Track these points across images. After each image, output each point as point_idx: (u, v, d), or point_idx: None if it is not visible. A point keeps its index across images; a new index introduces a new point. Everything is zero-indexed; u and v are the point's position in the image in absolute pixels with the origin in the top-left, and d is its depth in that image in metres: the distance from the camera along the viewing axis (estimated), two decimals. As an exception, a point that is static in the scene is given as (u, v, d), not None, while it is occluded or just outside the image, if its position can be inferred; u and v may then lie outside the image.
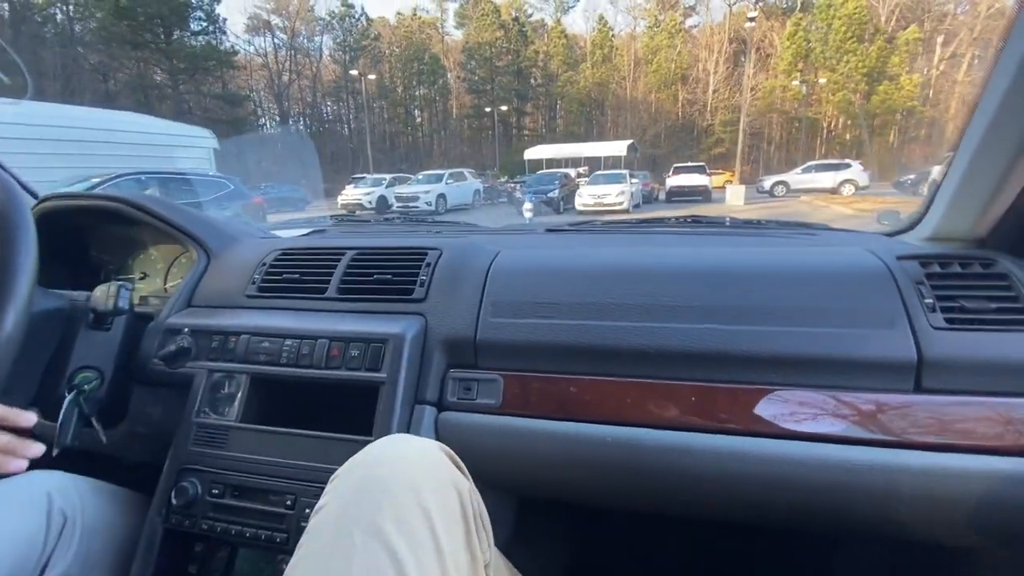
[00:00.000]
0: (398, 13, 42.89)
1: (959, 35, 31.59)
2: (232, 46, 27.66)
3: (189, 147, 9.05)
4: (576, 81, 41.56)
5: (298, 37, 38.60)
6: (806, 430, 0.64)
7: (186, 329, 0.86)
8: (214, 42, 27.75)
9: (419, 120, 43.34)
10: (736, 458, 0.65)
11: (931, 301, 0.67)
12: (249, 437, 0.78)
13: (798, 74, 34.25)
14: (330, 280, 0.89)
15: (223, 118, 26.37)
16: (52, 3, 24.40)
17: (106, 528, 0.73)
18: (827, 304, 0.69)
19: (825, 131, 36.49)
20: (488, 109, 39.50)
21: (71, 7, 24.72)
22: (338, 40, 38.59)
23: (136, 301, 0.88)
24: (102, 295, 0.80)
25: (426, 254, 0.88)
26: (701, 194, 17.13)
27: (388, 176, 18.45)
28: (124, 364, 0.85)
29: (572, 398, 0.73)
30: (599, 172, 17.08)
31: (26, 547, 0.62)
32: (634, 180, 15.29)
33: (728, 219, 1.19)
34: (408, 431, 0.73)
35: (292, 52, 38.08)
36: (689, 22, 41.97)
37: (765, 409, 0.66)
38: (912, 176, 18.52)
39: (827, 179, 18.63)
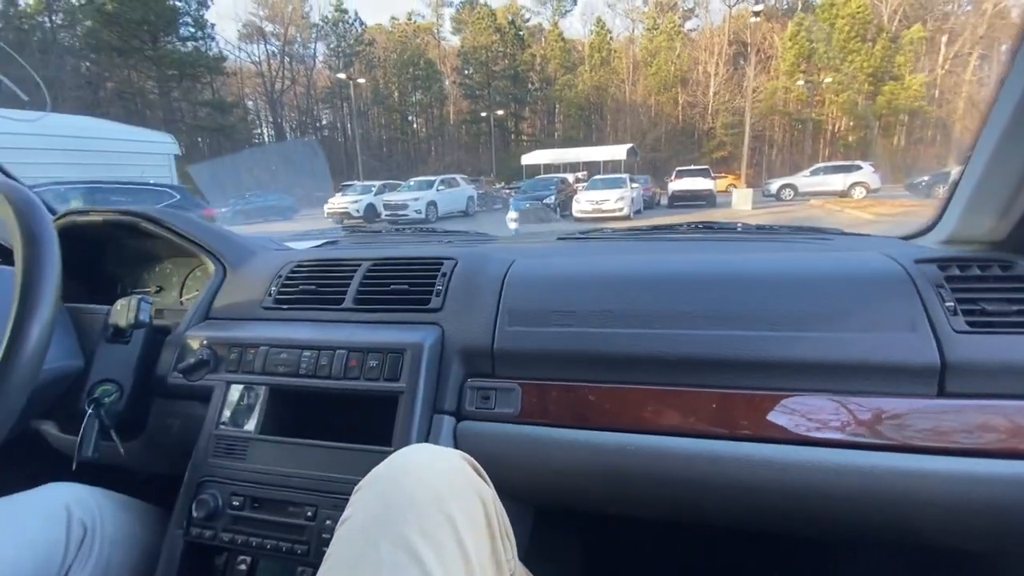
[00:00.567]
0: (393, 18, 42.40)
1: (963, 34, 30.90)
2: (221, 52, 27.08)
3: (147, 153, 8.30)
4: (574, 85, 40.92)
5: (292, 44, 38.10)
6: (827, 436, 0.64)
7: (205, 341, 0.86)
8: (203, 48, 27.16)
9: (415, 126, 42.73)
10: (757, 465, 0.64)
11: (952, 304, 0.66)
12: (268, 448, 0.78)
13: (801, 75, 33.51)
14: (347, 291, 0.89)
15: (211, 125, 25.76)
16: (39, 11, 23.82)
17: (126, 540, 0.73)
18: (846, 309, 0.68)
19: (829, 133, 35.73)
20: (484, 114, 38.84)
21: (58, 16, 24.14)
22: (332, 46, 38.05)
23: (153, 314, 0.88)
24: (122, 309, 0.81)
25: (442, 263, 0.88)
26: (705, 199, 16.32)
27: (377, 183, 17.63)
28: (143, 377, 0.85)
29: (590, 406, 0.72)
30: (597, 176, 16.27)
31: (45, 559, 0.63)
32: (634, 185, 14.46)
33: (740, 224, 1.16)
34: (427, 440, 0.73)
35: (287, 59, 37.56)
36: (688, 25, 41.43)
37: (786, 415, 0.66)
38: (926, 178, 17.70)
39: (837, 181, 17.85)
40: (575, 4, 44.50)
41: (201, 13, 26.60)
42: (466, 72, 41.05)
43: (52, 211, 1.03)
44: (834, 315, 0.68)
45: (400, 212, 14.77)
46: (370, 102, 40.65)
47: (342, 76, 34.28)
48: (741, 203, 15.10)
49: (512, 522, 0.53)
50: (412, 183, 16.67)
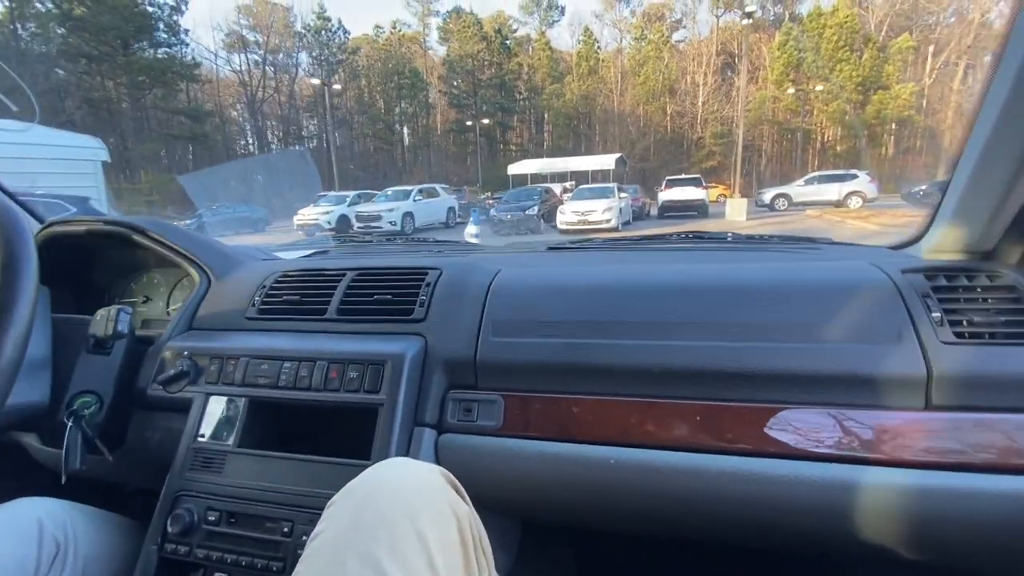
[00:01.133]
0: (376, 27, 41.74)
1: (949, 44, 30.85)
2: (194, 58, 26.08)
3: (69, 159, 7.29)
4: (562, 94, 40.43)
5: (277, 53, 37.28)
6: (816, 450, 0.63)
7: (185, 352, 0.85)
8: (177, 55, 26.21)
9: (401, 135, 41.93)
10: (745, 479, 0.64)
11: (938, 315, 0.66)
12: (247, 462, 0.77)
13: (790, 84, 33.23)
14: (330, 301, 0.89)
15: (185, 134, 24.76)
16: (6, 19, 22.77)
17: (101, 556, 0.72)
18: (833, 319, 0.68)
19: (819, 142, 35.46)
20: (470, 123, 38.16)
21: (28, 23, 23.08)
22: (314, 54, 37.28)
23: (138, 325, 0.90)
24: (102, 319, 0.81)
25: (426, 274, 0.88)
26: (697, 209, 15.56)
27: (351, 193, 16.69)
28: (124, 388, 0.84)
29: (574, 419, 0.71)
30: (584, 186, 15.45)
31: (16, 575, 0.62)
32: (623, 195, 13.65)
33: (730, 235, 1.15)
34: (407, 454, 0.72)
35: (271, 67, 36.69)
36: (676, 36, 41.22)
37: (774, 428, 0.65)
38: (924, 187, 17.13)
39: (832, 191, 17.24)
40: (562, 15, 44.17)
41: (175, 19, 25.74)
42: (452, 81, 40.44)
43: (40, 219, 1.02)
44: (820, 325, 0.67)
45: (373, 224, 13.81)
46: (354, 111, 39.85)
47: (316, 82, 33.45)
48: (735, 214, 14.34)
49: (498, 536, 0.53)
50: (391, 192, 15.73)
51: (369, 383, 0.75)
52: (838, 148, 34.27)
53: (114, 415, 0.81)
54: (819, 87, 31.94)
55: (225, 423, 0.79)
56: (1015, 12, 0.58)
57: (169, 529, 0.73)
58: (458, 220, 17.11)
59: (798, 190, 18.12)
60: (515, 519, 0.88)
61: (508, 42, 41.28)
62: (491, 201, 18.39)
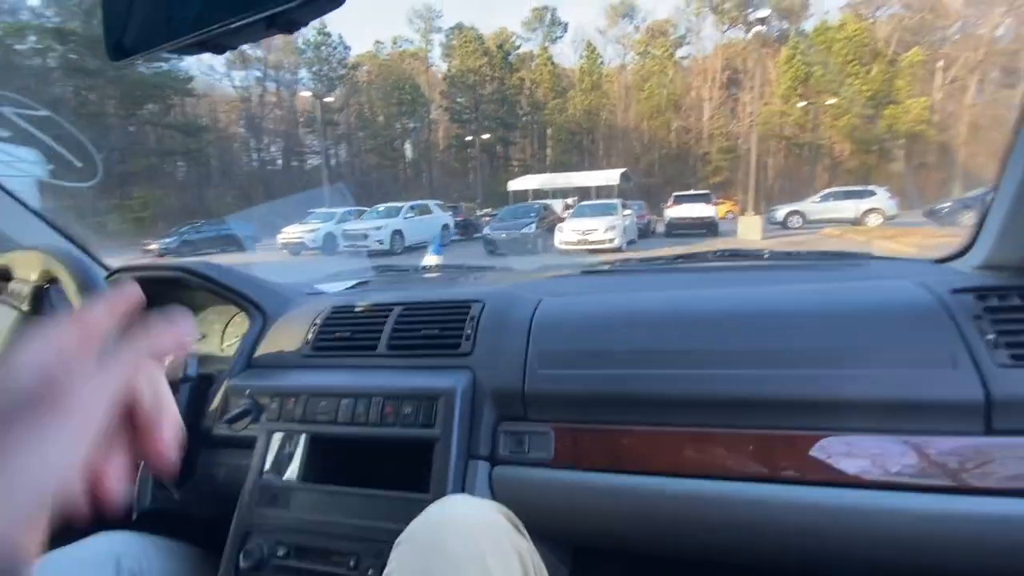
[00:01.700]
0: (377, 42, 41.52)
1: (960, 59, 30.08)
2: (186, 73, 25.58)
3: (-4, 173, 6.41)
4: (565, 109, 39.85)
5: (279, 70, 37.02)
6: (873, 477, 0.62)
7: (247, 391, 0.88)
8: (172, 71, 25.80)
9: (402, 151, 41.40)
10: (798, 508, 0.63)
11: (993, 337, 0.64)
12: (310, 497, 0.79)
13: (798, 98, 32.45)
14: (380, 336, 0.91)
15: (178, 149, 24.18)
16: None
17: None
18: (883, 344, 0.67)
19: (829, 158, 34.55)
20: (470, 138, 37.58)
21: (27, 38, 22.68)
22: (314, 69, 36.95)
23: (198, 368, 0.92)
24: (171, 364, 0.84)
25: (470, 307, 0.89)
26: (707, 227, 14.58)
27: (340, 210, 15.84)
28: (191, 427, 0.87)
29: (626, 450, 0.72)
30: (585, 203, 14.53)
31: None
32: (627, 212, 12.70)
33: (767, 252, 1.12)
34: (463, 487, 0.74)
35: (273, 83, 36.37)
36: (680, 52, 40.72)
37: (827, 456, 0.64)
38: (948, 204, 16.11)
39: (849, 208, 16.26)
40: (566, 31, 43.85)
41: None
42: (454, 97, 40.00)
43: (105, 267, 1.08)
44: (871, 351, 0.66)
45: (359, 243, 12.92)
46: (355, 127, 39.40)
47: (307, 94, 33.05)
48: (749, 232, 13.34)
49: (551, 563, 0.55)
50: (382, 209, 14.87)
51: (423, 417, 0.76)
52: (849, 164, 33.34)
53: (183, 453, 0.75)
54: (830, 101, 31.03)
55: (288, 459, 0.81)
56: None
57: (241, 564, 0.75)
58: (453, 238, 16.22)
59: (813, 207, 17.14)
60: (567, 546, 0.88)
61: (511, 57, 40.90)
62: (487, 218, 17.50)
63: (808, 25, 36.29)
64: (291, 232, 14.46)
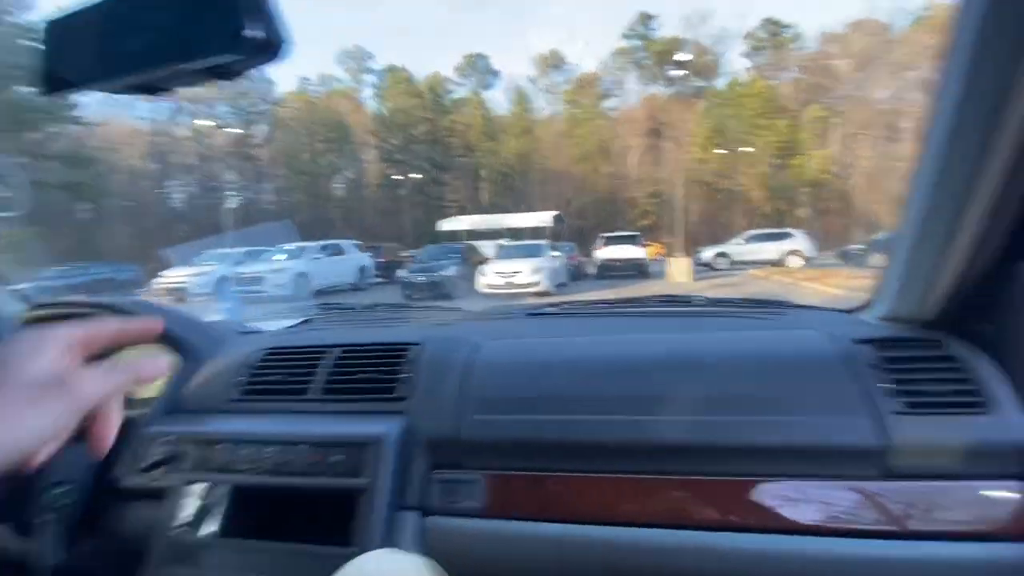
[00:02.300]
0: (303, 78, 40.24)
1: (853, 116, 33.32)
2: (72, 101, 22.92)
3: None
4: (497, 152, 40.05)
5: (197, 103, 34.61)
6: (792, 522, 0.65)
7: (166, 438, 0.84)
8: (57, 99, 23.04)
9: (328, 189, 39.56)
10: (722, 555, 0.65)
11: (890, 385, 0.68)
12: (227, 554, 0.75)
13: (715, 147, 34.43)
14: (313, 380, 0.88)
15: (59, 181, 21.24)
16: None
17: None
18: (794, 392, 0.70)
19: (746, 203, 36.63)
20: (400, 177, 36.62)
21: None
22: (233, 104, 34.94)
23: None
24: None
25: (408, 350, 0.87)
26: (637, 268, 14.17)
27: (241, 250, 14.06)
28: (102, 475, 0.83)
29: (558, 497, 0.71)
30: (509, 243, 13.76)
31: None
32: (555, 254, 11.99)
33: (699, 298, 1.16)
34: (391, 538, 0.71)
35: (188, 116, 33.80)
36: (607, 104, 42.53)
37: (752, 502, 0.66)
38: (859, 247, 16.89)
39: (771, 249, 16.61)
40: (497, 78, 44.76)
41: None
42: (385, 136, 39.12)
43: (28, 301, 1.06)
44: (784, 398, 0.69)
45: (253, 288, 11.24)
46: (275, 163, 37.29)
47: (200, 123, 31.05)
48: (678, 273, 13.01)
49: None
50: (289, 249, 13.26)
51: (351, 467, 0.74)
52: (764, 208, 35.45)
53: (91, 504, 0.80)
54: (743, 149, 33.08)
55: (205, 511, 0.77)
56: (937, 87, 0.59)
57: None
58: (373, 280, 14.80)
59: (737, 248, 17.45)
60: None
61: (443, 100, 40.90)
62: (412, 260, 16.32)
63: (720, 83, 39.24)
64: (169, 277, 12.49)
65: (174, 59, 0.37)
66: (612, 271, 14.04)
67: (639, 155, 38.80)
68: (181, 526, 0.76)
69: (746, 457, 0.68)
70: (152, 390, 0.98)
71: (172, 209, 34.55)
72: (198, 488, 0.78)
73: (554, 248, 12.27)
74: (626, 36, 41.19)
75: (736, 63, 40.32)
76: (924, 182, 0.65)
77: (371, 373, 0.85)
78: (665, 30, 40.47)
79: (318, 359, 0.90)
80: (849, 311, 0.94)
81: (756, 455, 0.68)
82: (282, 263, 12.04)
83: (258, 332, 1.10)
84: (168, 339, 0.96)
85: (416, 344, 0.87)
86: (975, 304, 0.69)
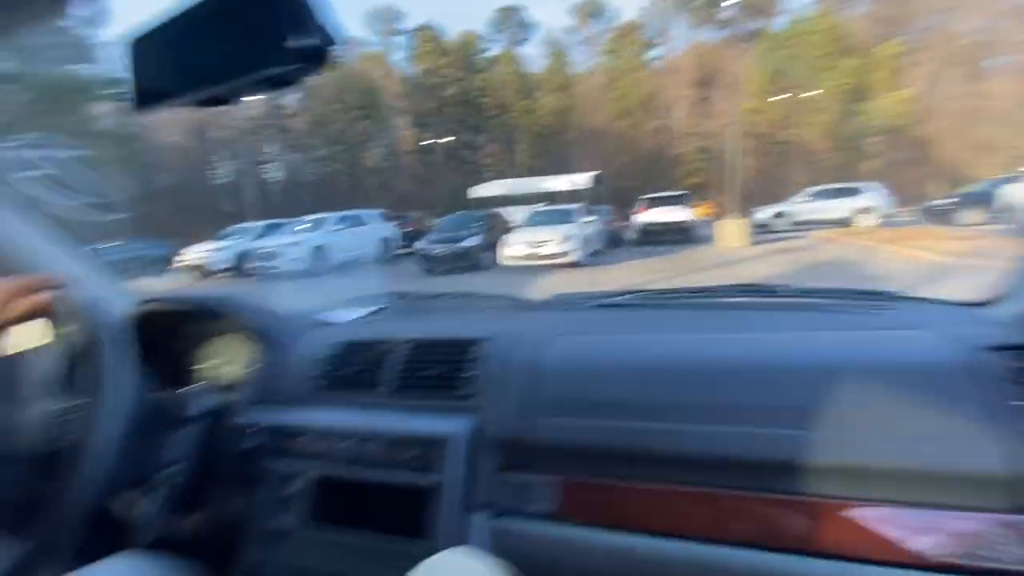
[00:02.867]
0: (334, 44, 39.09)
1: (935, 52, 29.20)
2: (114, 78, 23.05)
3: None
4: (532, 111, 38.02)
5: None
6: (900, 553, 0.59)
7: (253, 429, 0.88)
8: (99, 73, 23.23)
9: (360, 157, 39.01)
10: None
11: None
12: (313, 538, 0.80)
13: (772, 95, 31.12)
14: (385, 374, 0.90)
15: (111, 158, 21.63)
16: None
17: None
18: (910, 408, 0.62)
19: (807, 156, 33.31)
20: (429, 142, 35.47)
21: None
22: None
23: (216, 402, 0.95)
24: (190, 397, 0.90)
25: (477, 346, 0.87)
26: (682, 232, 12.73)
27: (261, 224, 13.57)
28: (203, 459, 0.89)
29: (634, 508, 0.69)
30: (539, 208, 12.55)
31: None
32: (589, 219, 10.75)
33: (786, 288, 1.07)
34: (461, 536, 0.73)
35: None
36: (651, 53, 39.28)
37: (855, 528, 0.61)
38: (947, 201, 14.57)
39: (839, 207, 14.58)
40: (533, 33, 42.14)
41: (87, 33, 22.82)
42: (415, 100, 37.85)
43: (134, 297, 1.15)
44: (895, 415, 0.62)
45: (268, 264, 10.69)
46: (305, 132, 36.97)
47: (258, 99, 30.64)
48: (731, 238, 11.49)
49: None
50: (307, 223, 12.65)
51: (422, 464, 0.76)
52: (828, 161, 32.14)
53: (194, 484, 0.86)
54: (808, 93, 29.66)
55: (288, 501, 0.82)
56: None
57: None
58: (398, 252, 14.07)
59: (799, 207, 15.44)
60: None
61: (475, 59, 38.98)
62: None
63: (780, 21, 35.27)
64: (189, 255, 12.15)
65: (235, 73, 0.41)
66: (654, 236, 12.63)
67: (687, 108, 35.83)
68: (268, 512, 0.81)
69: (848, 479, 0.61)
70: (238, 378, 1.05)
71: (212, 185, 35.08)
72: (283, 477, 0.82)
73: (588, 212, 11.01)
74: (672, -25, 37.55)
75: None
76: None
77: (441, 369, 0.86)
78: (716, -35, 36.50)
79: (389, 353, 0.91)
80: (972, 305, 0.82)
81: (858, 477, 0.61)
82: (298, 237, 11.41)
83: (332, 323, 1.13)
84: (252, 331, 1.01)
85: (485, 340, 0.87)
86: None
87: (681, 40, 38.77)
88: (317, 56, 0.39)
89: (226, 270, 11.93)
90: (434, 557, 0.53)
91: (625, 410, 0.71)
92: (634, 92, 36.22)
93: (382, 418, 0.83)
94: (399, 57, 40.70)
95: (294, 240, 11.21)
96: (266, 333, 1.01)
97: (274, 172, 37.47)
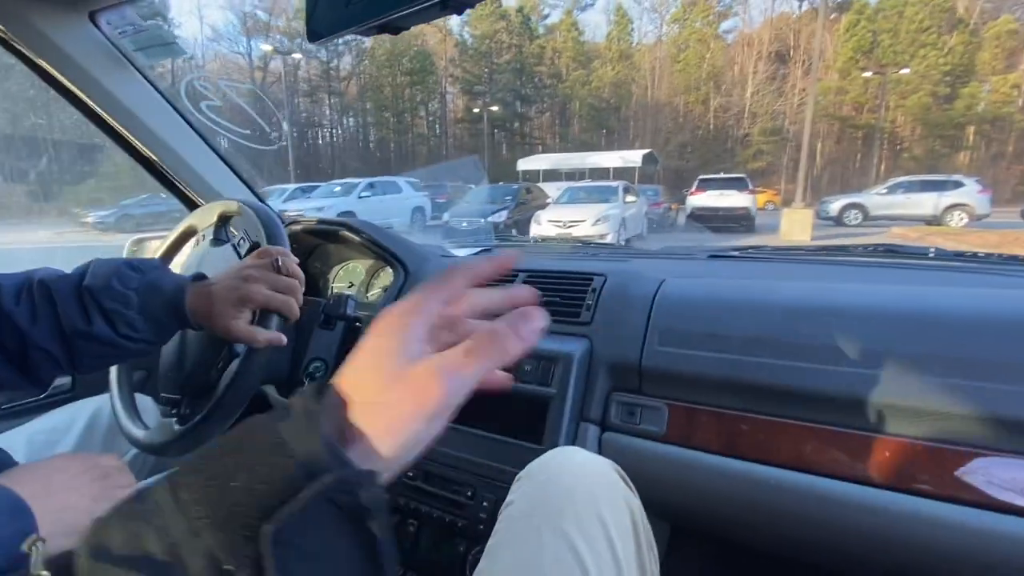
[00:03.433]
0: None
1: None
2: (183, 44, 23.39)
3: None
4: (589, 81, 36.19)
5: (295, 38, 34.70)
6: (1020, 504, 0.58)
7: None
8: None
9: (410, 124, 38.61)
10: (932, 524, 0.60)
11: None
12: (444, 435, 0.82)
13: (860, 72, 28.04)
14: None
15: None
16: None
17: None
18: None
19: (890, 142, 30.09)
20: (477, 111, 34.50)
21: None
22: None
23: (355, 309, 1.02)
24: (334, 303, 0.96)
25: (592, 279, 0.91)
26: (740, 220, 11.48)
27: (291, 187, 13.35)
28: (343, 358, 0.97)
29: (743, 436, 0.71)
30: (576, 185, 11.59)
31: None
32: (631, 199, 9.75)
33: (933, 250, 1.04)
34: (574, 443, 0.77)
35: (279, 52, 34.07)
36: (725, 25, 36.30)
37: (976, 475, 0.59)
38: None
39: (926, 203, 12.79)
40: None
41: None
42: (464, 65, 36.81)
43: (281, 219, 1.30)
44: None
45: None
46: (356, 97, 36.80)
47: (266, 48, 30.66)
48: (795, 230, 10.18)
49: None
50: (337, 188, 12.31)
51: (542, 376, 0.81)
52: (915, 150, 28.91)
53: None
54: (902, 70, 26.49)
55: None
56: None
57: None
58: (431, 223, 13.56)
59: (877, 200, 13.66)
60: (666, 522, 0.88)
61: (532, 23, 37.28)
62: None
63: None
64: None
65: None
66: (705, 222, 11.47)
67: (757, 84, 33.05)
68: None
69: (976, 427, 0.59)
70: (376, 297, 1.15)
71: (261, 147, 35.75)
72: None
73: (629, 191, 10.00)
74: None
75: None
76: None
77: (557, 298, 0.89)
78: (807, -76, 32.90)
79: (510, 281, 0.95)
80: None
81: (989, 426, 0.59)
82: (325, 202, 11.05)
83: (452, 256, 1.19)
84: (390, 256, 1.07)
85: (599, 274, 0.90)
86: None
87: (758, 10, 35.60)
88: None
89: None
90: (557, 449, 0.55)
91: (735, 343, 0.72)
92: (701, 65, 33.69)
93: None
94: (456, 20, 39.61)
95: (321, 204, 10.84)
96: (401, 258, 1.06)
97: (325, 135, 37.73)
